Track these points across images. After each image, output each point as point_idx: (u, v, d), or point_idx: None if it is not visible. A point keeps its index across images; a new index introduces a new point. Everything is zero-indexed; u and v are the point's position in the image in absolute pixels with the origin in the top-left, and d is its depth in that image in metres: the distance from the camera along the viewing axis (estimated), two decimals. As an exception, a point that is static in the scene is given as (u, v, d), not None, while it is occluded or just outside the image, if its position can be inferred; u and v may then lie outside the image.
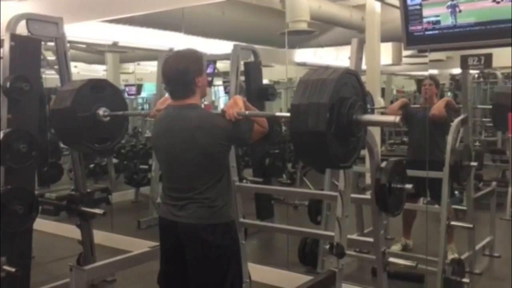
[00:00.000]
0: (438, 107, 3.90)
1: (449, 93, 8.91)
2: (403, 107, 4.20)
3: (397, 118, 1.71)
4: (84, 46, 7.14)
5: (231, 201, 2.21)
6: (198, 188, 2.05)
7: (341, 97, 1.64)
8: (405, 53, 6.51)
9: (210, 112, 2.11)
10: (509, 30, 2.36)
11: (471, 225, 3.66)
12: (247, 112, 2.02)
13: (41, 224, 4.47)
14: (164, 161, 2.16)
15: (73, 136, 2.56)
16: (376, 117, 1.78)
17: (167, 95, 2.21)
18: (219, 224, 2.08)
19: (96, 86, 2.67)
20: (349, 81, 1.72)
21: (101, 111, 2.58)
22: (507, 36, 2.37)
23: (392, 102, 9.43)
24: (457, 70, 6.84)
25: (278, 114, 2.09)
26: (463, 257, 3.62)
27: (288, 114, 1.72)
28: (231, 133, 2.03)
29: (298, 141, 1.67)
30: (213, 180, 2.05)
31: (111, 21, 5.05)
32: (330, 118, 1.58)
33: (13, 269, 3.14)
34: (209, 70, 5.29)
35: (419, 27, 2.62)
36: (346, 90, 1.67)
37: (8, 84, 3.08)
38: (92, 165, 6.37)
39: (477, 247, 3.91)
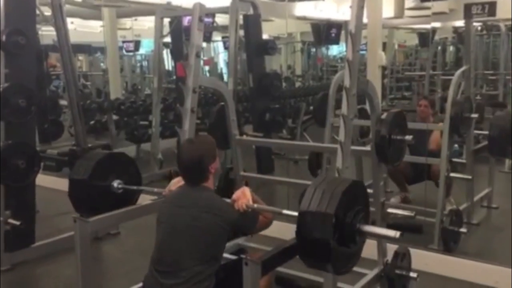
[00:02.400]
0: (435, 142, 3.89)
1: (451, 47, 8.79)
2: None
3: (397, 234, 1.75)
4: (79, 0, 7.00)
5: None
6: (185, 264, 2.05)
7: (345, 207, 1.72)
8: (407, 5, 6.39)
9: (220, 197, 2.19)
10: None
11: (469, 176, 3.70)
12: (255, 205, 2.14)
13: (44, 179, 4.51)
14: (162, 232, 2.16)
15: (88, 205, 2.59)
16: (377, 229, 1.84)
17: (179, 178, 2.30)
18: None
19: (114, 159, 2.71)
20: (354, 191, 1.78)
21: (115, 183, 2.61)
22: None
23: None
24: (460, 23, 6.72)
25: (285, 212, 2.07)
26: (461, 208, 3.68)
27: (295, 213, 1.81)
28: (236, 221, 2.11)
29: (303, 245, 1.78)
30: (203, 259, 2.06)
31: (106, -26, 4.93)
32: (335, 226, 1.69)
33: (18, 222, 3.20)
34: (207, 24, 5.21)
35: (422, -25, 2.56)
36: (351, 200, 1.76)
37: (4, 38, 3.05)
38: (92, 122, 6.35)
39: (476, 198, 3.96)
